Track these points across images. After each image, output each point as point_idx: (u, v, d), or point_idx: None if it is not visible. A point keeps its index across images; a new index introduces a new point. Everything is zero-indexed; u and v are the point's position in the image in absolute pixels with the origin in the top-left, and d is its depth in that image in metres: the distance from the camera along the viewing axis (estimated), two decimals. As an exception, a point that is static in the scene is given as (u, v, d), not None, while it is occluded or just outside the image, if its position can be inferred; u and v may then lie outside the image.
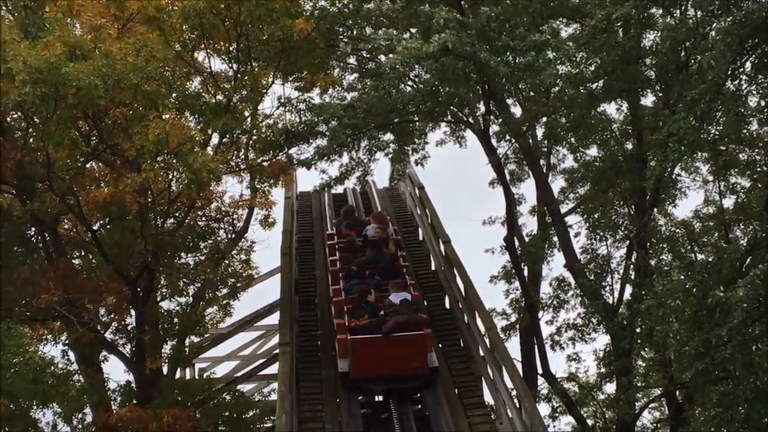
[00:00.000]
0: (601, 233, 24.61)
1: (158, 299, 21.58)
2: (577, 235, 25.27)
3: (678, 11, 20.20)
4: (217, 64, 21.44)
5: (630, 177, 22.06)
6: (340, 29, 23.68)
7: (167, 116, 18.46)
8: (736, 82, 18.26)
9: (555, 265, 26.58)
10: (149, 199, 19.42)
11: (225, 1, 19.49)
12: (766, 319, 16.58)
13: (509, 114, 23.53)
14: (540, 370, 24.86)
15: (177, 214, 20.75)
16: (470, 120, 24.57)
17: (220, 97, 20.53)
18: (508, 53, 20.04)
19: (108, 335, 20.96)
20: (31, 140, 19.17)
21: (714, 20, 18.64)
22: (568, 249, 23.66)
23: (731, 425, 17.48)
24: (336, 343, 18.86)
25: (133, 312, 20.64)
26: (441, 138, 28.39)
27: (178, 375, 22.98)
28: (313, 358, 20.32)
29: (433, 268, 24.39)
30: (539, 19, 20.69)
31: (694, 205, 27.08)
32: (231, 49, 20.62)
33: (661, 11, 20.78)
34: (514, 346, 25.67)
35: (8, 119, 19.70)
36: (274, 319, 26.00)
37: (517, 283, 26.52)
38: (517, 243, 25.14)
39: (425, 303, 21.68)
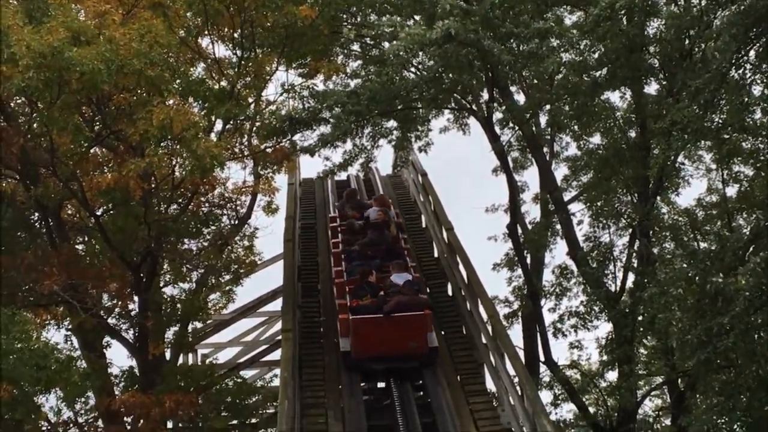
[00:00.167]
0: (604, 221, 24.56)
1: (161, 285, 21.65)
2: (579, 222, 25.23)
3: (682, -1, 20.16)
4: (221, 50, 21.45)
5: (633, 165, 22.00)
6: (344, 16, 23.67)
7: (171, 102, 18.48)
8: (741, 71, 18.17)
9: (558, 253, 26.60)
10: (153, 185, 19.46)
11: (229, -13, 19.51)
12: (769, 307, 16.59)
13: (512, 101, 23.44)
14: (542, 358, 24.82)
15: (180, 200, 20.80)
16: (473, 107, 24.51)
17: (223, 83, 20.52)
18: (511, 40, 20.02)
19: (111, 321, 21.04)
20: (34, 125, 19.18)
21: (719, 9, 18.61)
22: (570, 237, 23.62)
23: (733, 414, 17.48)
24: (338, 322, 18.97)
25: (136, 297, 20.70)
26: (444, 125, 28.41)
27: (180, 361, 23.01)
28: (316, 344, 20.32)
29: (435, 255, 24.39)
30: (543, 6, 20.64)
31: (697, 193, 27.06)
32: (235, 35, 20.58)
33: (665, -1, 20.73)
34: (516, 333, 25.67)
35: (12, 104, 19.73)
36: (276, 305, 26.08)
37: (519, 271, 26.45)
38: (520, 230, 25.08)
39: (428, 290, 21.70)
